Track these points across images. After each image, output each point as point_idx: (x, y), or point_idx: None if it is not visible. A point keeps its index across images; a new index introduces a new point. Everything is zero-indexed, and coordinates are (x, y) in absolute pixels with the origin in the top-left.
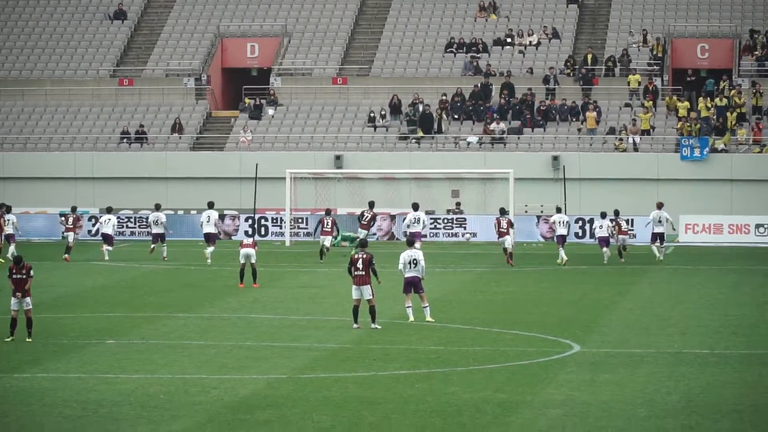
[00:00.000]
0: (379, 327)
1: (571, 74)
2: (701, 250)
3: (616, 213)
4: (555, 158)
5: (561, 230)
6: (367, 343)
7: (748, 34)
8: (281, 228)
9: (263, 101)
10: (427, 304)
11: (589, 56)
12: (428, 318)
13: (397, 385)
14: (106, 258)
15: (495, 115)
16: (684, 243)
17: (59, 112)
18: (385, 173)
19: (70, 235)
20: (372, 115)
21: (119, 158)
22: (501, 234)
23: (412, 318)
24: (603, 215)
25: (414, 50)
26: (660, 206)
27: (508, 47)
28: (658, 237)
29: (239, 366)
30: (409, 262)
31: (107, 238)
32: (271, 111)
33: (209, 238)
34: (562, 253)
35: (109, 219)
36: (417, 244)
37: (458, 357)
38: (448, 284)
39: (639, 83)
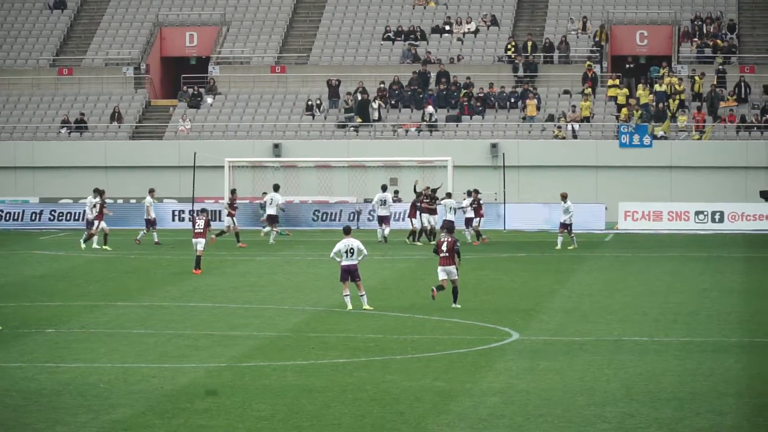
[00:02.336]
0: (458, 306)
1: (513, 61)
2: (640, 237)
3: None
4: (494, 146)
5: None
6: (305, 331)
7: (689, 21)
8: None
9: (202, 90)
10: (364, 292)
11: (529, 43)
12: (366, 306)
13: (335, 373)
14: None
15: (436, 102)
16: (623, 230)
17: None
18: (323, 161)
19: (100, 223)
20: (310, 103)
21: (59, 147)
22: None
23: (350, 306)
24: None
25: (352, 38)
26: (564, 197)
27: (446, 35)
28: (566, 227)
29: (179, 355)
30: (346, 251)
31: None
32: (209, 100)
33: (272, 220)
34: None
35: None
36: (385, 230)
37: (397, 345)
38: (387, 272)
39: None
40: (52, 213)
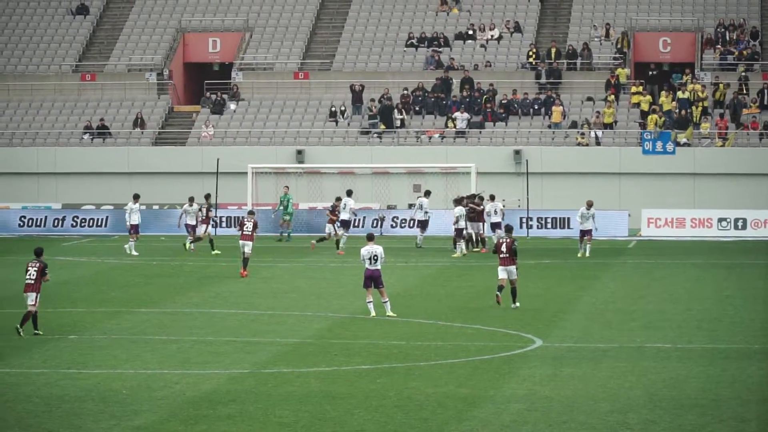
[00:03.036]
0: (518, 305)
1: (536, 67)
2: (664, 244)
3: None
4: (517, 152)
5: (495, 218)
6: (328, 338)
7: (713, 29)
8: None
9: (225, 96)
10: (387, 299)
11: (553, 50)
12: (389, 313)
13: (359, 380)
14: (134, 252)
15: (460, 108)
16: (646, 237)
17: (21, 108)
18: (346, 168)
19: (205, 228)
20: (333, 109)
21: (81, 153)
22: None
23: (373, 313)
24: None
25: (375, 45)
26: (590, 205)
27: (469, 41)
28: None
29: (201, 361)
30: (370, 258)
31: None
32: (232, 106)
33: (346, 225)
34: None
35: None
36: (420, 236)
37: (420, 352)
38: (410, 278)
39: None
40: (75, 219)
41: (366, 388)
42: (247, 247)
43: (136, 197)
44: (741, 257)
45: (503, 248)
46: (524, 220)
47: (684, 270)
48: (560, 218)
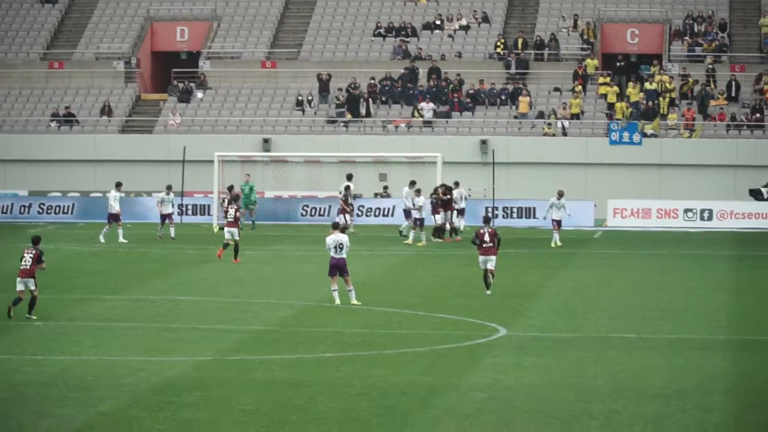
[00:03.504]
0: (490, 293)
1: (504, 58)
2: (629, 234)
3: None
4: (483, 142)
5: (461, 204)
6: (293, 325)
7: (681, 20)
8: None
9: (192, 84)
10: (352, 288)
11: (520, 40)
12: (354, 301)
13: (322, 367)
14: (122, 240)
15: (426, 98)
16: (612, 227)
17: None
18: (312, 157)
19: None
20: (300, 98)
21: (49, 141)
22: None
23: (338, 301)
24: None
25: (343, 34)
26: (561, 195)
27: (437, 31)
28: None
29: (166, 348)
30: (335, 246)
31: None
32: (200, 94)
33: (408, 215)
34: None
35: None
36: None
37: (385, 340)
38: (376, 267)
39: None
40: (41, 206)
41: (330, 376)
42: (235, 234)
43: (118, 185)
44: (707, 248)
45: (486, 238)
46: (490, 209)
47: (649, 260)
48: (526, 208)
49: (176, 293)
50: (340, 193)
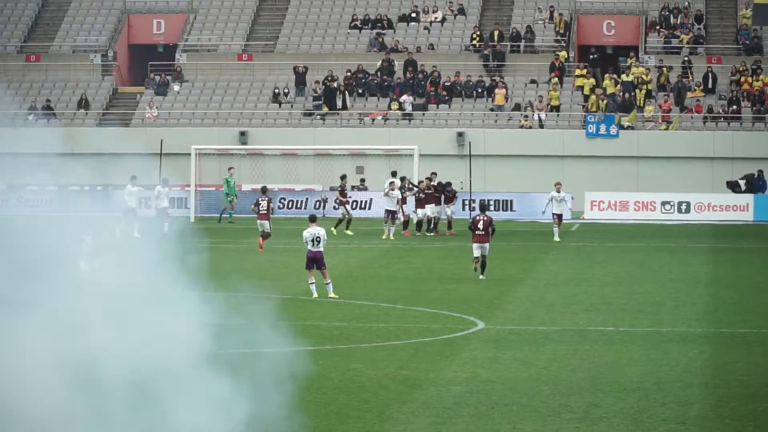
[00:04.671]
0: (484, 277)
1: (480, 50)
2: (607, 227)
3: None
4: (460, 134)
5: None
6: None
7: (657, 12)
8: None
9: (169, 77)
10: (330, 281)
11: (496, 33)
12: (331, 294)
13: (300, 361)
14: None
15: (405, 90)
16: (589, 220)
17: None
18: (289, 149)
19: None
20: (276, 91)
21: (25, 134)
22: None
23: (315, 294)
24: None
25: (319, 26)
26: (559, 187)
27: (413, 23)
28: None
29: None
30: (312, 239)
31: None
32: (176, 87)
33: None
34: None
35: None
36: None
37: (362, 333)
38: (353, 260)
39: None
40: (19, 199)
41: (307, 370)
42: (266, 226)
43: (133, 179)
44: (684, 241)
45: (480, 225)
46: (467, 202)
47: (627, 253)
48: (503, 200)
49: None
50: (340, 186)
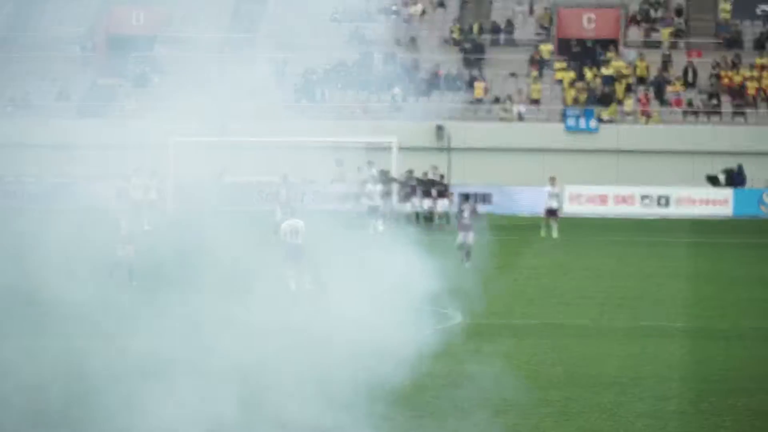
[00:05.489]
0: (468, 266)
1: (460, 43)
2: (586, 221)
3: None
4: (440, 127)
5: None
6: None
7: (637, 5)
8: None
9: (149, 69)
10: (307, 273)
11: (476, 25)
12: (308, 286)
13: (279, 354)
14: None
15: (390, 84)
16: (569, 214)
17: None
18: (268, 141)
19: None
20: (256, 83)
21: (3, 126)
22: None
23: (293, 287)
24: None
25: (299, 19)
26: (553, 181)
27: (393, 16)
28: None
29: None
30: (290, 232)
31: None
32: (156, 79)
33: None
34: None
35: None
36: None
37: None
38: (333, 252)
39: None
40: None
41: (286, 369)
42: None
43: (137, 171)
44: (664, 235)
45: (465, 214)
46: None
47: (606, 247)
48: (482, 194)
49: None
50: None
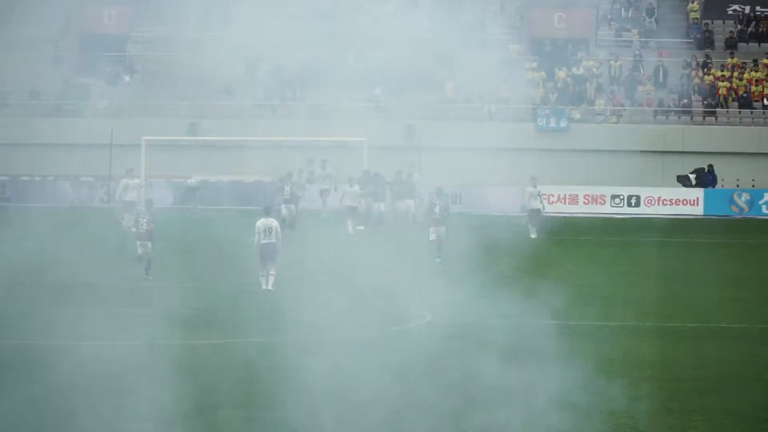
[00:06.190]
0: (439, 260)
1: (432, 42)
2: (556, 220)
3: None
4: (410, 127)
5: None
6: (218, 310)
7: (609, 5)
8: None
9: (120, 68)
10: (274, 273)
11: (448, 25)
12: (269, 287)
13: (246, 353)
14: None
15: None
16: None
17: None
18: (240, 141)
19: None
20: (227, 82)
21: None
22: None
23: (264, 286)
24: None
25: (271, 17)
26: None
27: (364, 15)
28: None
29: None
30: (264, 230)
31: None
32: (127, 77)
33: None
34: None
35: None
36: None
37: (310, 326)
38: (303, 252)
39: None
40: None
41: (267, 364)
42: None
43: (130, 172)
44: (634, 234)
45: (436, 210)
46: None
47: (577, 247)
48: (453, 194)
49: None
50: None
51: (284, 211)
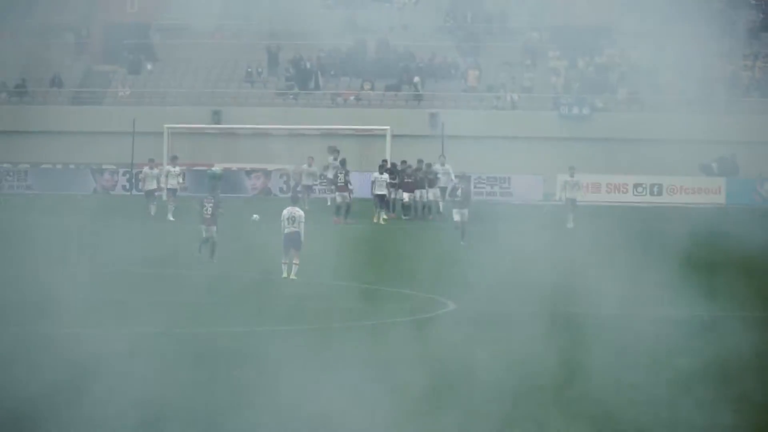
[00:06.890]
0: (464, 244)
1: (453, 30)
2: (579, 208)
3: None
4: (433, 115)
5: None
6: (240, 298)
7: None
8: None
9: (143, 56)
10: (298, 262)
11: (469, 13)
12: (293, 276)
13: (269, 340)
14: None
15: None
16: (561, 202)
17: None
18: (262, 129)
19: (338, 196)
20: (250, 70)
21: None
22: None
23: (285, 274)
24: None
25: (292, 6)
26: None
27: (386, 3)
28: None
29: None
30: (288, 219)
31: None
32: (150, 65)
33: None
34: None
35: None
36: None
37: (333, 314)
38: (328, 241)
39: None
40: None
41: (281, 350)
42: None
43: (173, 159)
44: (656, 223)
45: (458, 192)
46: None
47: (602, 236)
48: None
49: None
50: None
51: (338, 198)
